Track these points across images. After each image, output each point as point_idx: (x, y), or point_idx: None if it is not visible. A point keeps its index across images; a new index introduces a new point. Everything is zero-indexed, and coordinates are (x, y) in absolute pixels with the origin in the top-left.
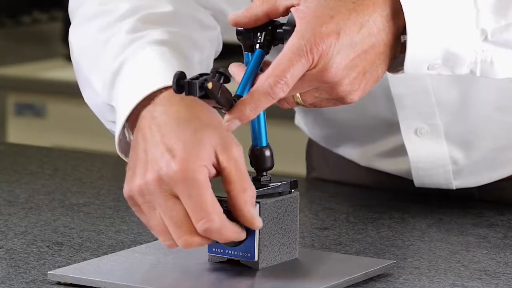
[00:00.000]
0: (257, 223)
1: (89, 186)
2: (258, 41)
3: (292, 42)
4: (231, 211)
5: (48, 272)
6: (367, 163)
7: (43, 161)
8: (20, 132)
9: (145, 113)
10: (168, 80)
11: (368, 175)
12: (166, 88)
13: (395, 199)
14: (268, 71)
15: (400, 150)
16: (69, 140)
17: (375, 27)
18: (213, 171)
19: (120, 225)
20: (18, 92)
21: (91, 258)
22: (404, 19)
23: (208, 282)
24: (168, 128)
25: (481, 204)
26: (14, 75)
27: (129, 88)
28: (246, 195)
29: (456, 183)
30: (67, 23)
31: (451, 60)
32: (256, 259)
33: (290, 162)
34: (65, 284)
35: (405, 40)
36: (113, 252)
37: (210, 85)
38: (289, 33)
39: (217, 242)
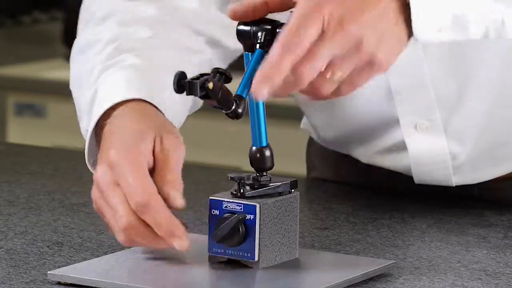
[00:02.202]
0: (178, 201)
1: (89, 186)
2: (258, 41)
3: (298, 7)
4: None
5: (48, 272)
6: (368, 160)
7: (43, 161)
8: (20, 132)
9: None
10: (126, 95)
11: (368, 175)
12: (124, 102)
13: (395, 199)
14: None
15: (400, 146)
16: (69, 140)
17: None
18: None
19: None
20: (18, 92)
21: (91, 258)
22: None
23: (208, 282)
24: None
25: (481, 204)
26: (14, 75)
27: (97, 108)
28: (167, 181)
29: (455, 179)
30: (67, 23)
31: (460, 22)
32: (256, 259)
33: (290, 162)
34: (65, 284)
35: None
36: (113, 252)
37: (211, 85)
38: None
39: (218, 242)
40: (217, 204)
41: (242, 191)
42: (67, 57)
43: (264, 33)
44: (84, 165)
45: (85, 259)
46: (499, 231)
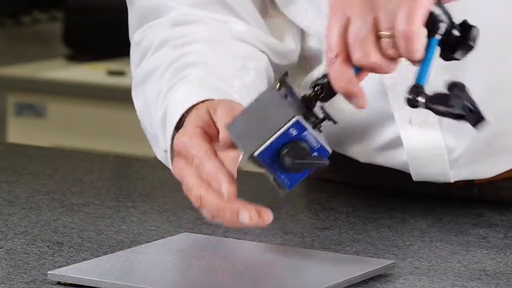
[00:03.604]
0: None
1: (89, 186)
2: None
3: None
4: None
5: (48, 272)
6: (366, 159)
7: (43, 161)
8: (20, 132)
9: None
10: (197, 98)
11: (368, 175)
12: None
13: (395, 199)
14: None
15: (397, 143)
16: (69, 140)
17: None
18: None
19: (120, 225)
20: (18, 92)
21: (91, 258)
22: None
23: (208, 282)
24: None
25: (481, 204)
26: (14, 75)
27: (171, 120)
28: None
29: (453, 174)
30: (67, 23)
31: None
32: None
33: None
34: (65, 284)
35: None
36: (113, 252)
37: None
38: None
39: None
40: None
41: None
42: (67, 57)
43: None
44: (84, 165)
45: (85, 259)
46: (499, 231)
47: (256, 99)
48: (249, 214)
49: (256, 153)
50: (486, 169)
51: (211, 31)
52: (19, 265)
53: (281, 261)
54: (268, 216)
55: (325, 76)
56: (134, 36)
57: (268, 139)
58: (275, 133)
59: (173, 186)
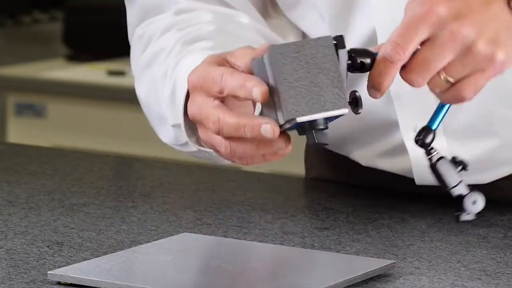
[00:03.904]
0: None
1: (89, 186)
2: None
3: (408, 11)
4: None
5: (48, 272)
6: (368, 163)
7: (43, 161)
8: (20, 132)
9: None
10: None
11: (368, 175)
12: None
13: (395, 199)
14: (388, 39)
15: (401, 149)
16: (69, 140)
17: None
18: None
19: (120, 225)
20: (18, 92)
21: (91, 258)
22: None
23: (208, 282)
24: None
25: None
26: (14, 75)
27: (181, 87)
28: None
29: None
30: (67, 23)
31: None
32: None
33: (289, 162)
34: (65, 284)
35: None
36: (113, 252)
37: None
38: None
39: None
40: None
41: None
42: (67, 57)
43: None
44: (84, 165)
45: (85, 259)
46: (499, 231)
47: (309, 45)
48: (271, 127)
49: (298, 119)
50: (490, 176)
51: (216, 17)
52: (19, 265)
53: (281, 261)
54: (289, 144)
55: (369, 53)
56: (136, 31)
57: (315, 113)
58: (322, 113)
59: (173, 186)
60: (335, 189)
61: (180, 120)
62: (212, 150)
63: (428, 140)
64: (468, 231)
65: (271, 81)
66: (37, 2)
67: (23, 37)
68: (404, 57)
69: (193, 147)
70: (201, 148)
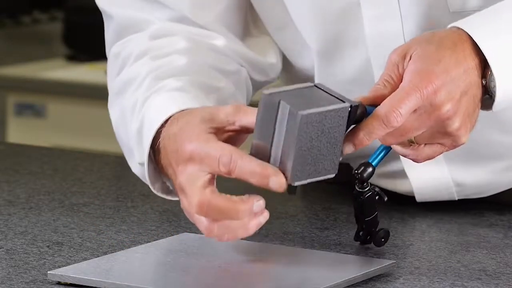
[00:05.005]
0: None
1: (89, 186)
2: None
3: (409, 78)
4: None
5: (48, 272)
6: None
7: (43, 161)
8: (20, 132)
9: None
10: (180, 106)
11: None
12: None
13: (395, 199)
14: (385, 101)
15: (402, 174)
16: (69, 140)
17: (469, 67)
18: None
19: (120, 225)
20: (18, 92)
21: (91, 258)
22: (484, 63)
23: (208, 282)
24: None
25: (481, 204)
26: (14, 75)
27: (149, 127)
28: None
29: (458, 195)
30: (67, 23)
31: None
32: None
33: None
34: (65, 284)
35: (486, 82)
36: (113, 252)
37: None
38: None
39: None
40: None
41: None
42: (67, 57)
43: None
44: (84, 165)
45: (85, 259)
46: (499, 231)
47: (330, 114)
48: (279, 180)
49: (304, 113)
50: (492, 192)
51: (190, 43)
52: (19, 265)
53: (281, 261)
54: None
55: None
56: (113, 49)
57: (310, 178)
58: (316, 178)
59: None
60: (335, 189)
61: (145, 171)
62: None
63: (365, 175)
64: (468, 231)
65: (280, 136)
66: (37, 2)
67: (23, 37)
68: (399, 125)
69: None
70: (167, 197)
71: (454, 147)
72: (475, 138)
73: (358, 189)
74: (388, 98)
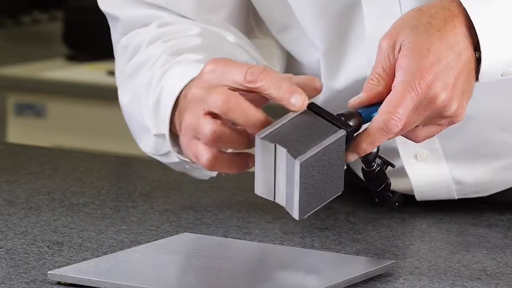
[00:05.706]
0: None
1: (89, 186)
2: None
3: (401, 79)
4: None
5: (48, 272)
6: None
7: (43, 161)
8: (20, 132)
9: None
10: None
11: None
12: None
13: None
14: (382, 108)
15: (402, 173)
16: (69, 140)
17: (461, 48)
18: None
19: (120, 225)
20: (18, 92)
21: (91, 258)
22: (476, 35)
23: (208, 282)
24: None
25: (481, 204)
26: (14, 75)
27: (169, 96)
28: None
29: (458, 194)
30: (67, 23)
31: None
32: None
33: None
34: (65, 284)
35: (479, 55)
36: (113, 252)
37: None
38: None
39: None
40: None
41: None
42: (67, 57)
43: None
44: (84, 165)
45: (85, 259)
46: (499, 231)
47: (329, 149)
48: (302, 98)
49: (303, 160)
50: (492, 189)
51: (204, 31)
52: (19, 265)
53: (281, 261)
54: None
55: (355, 115)
56: (120, 42)
57: (317, 207)
58: (323, 204)
59: (173, 186)
60: None
61: (165, 129)
62: (191, 161)
63: (370, 157)
64: (468, 231)
65: (281, 180)
66: (37, 2)
67: (23, 37)
68: (399, 129)
69: (174, 158)
70: (183, 158)
71: (453, 124)
72: (475, 136)
73: (366, 169)
74: (384, 103)
